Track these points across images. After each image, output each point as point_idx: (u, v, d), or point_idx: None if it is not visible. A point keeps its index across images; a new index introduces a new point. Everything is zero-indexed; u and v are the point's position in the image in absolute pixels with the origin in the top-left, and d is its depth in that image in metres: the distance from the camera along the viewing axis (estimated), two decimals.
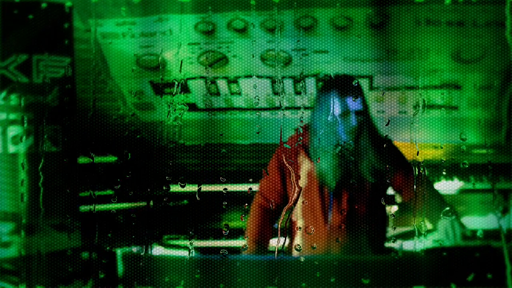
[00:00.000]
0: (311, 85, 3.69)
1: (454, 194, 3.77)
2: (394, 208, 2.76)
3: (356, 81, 2.67)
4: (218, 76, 3.76)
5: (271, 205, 2.68)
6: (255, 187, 2.86)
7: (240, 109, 3.92)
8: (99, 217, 2.40)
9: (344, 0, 3.29)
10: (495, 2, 3.24)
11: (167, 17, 3.47)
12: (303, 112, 3.20)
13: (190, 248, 2.45)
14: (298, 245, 2.55)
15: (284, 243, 2.60)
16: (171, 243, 3.31)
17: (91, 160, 2.65)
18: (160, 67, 3.73)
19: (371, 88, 3.69)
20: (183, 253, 2.33)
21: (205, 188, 3.77)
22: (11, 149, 2.73)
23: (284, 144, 2.71)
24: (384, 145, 2.71)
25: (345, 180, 2.59)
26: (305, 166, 2.63)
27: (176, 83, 3.63)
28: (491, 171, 3.68)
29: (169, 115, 3.48)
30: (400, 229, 3.34)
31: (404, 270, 1.97)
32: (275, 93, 3.82)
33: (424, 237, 2.40)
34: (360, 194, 2.59)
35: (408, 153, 3.83)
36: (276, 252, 2.68)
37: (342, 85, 2.60)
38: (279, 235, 2.63)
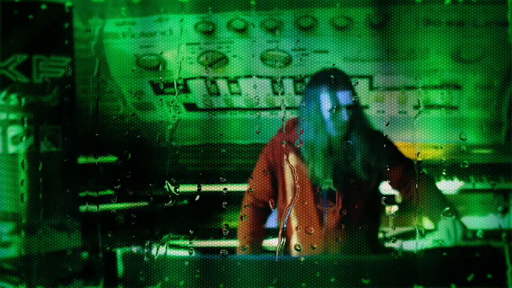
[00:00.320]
0: None
1: (454, 194, 3.77)
2: (394, 208, 2.75)
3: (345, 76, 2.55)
4: (218, 76, 3.76)
5: (261, 204, 2.63)
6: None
7: (240, 109, 3.92)
8: (99, 217, 2.40)
9: (344, 0, 3.29)
10: (495, 2, 3.24)
11: (167, 17, 3.47)
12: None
13: (190, 248, 2.45)
14: (298, 245, 2.53)
15: (282, 243, 2.59)
16: (171, 243, 3.31)
17: (91, 160, 2.65)
18: (160, 67, 3.73)
19: (371, 88, 3.69)
20: (183, 253, 2.33)
21: (205, 188, 3.77)
22: (11, 149, 2.73)
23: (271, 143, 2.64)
24: (380, 140, 2.62)
25: (339, 179, 2.52)
26: (294, 164, 2.57)
27: (176, 83, 3.63)
28: (491, 172, 3.69)
29: (170, 112, 3.48)
30: (400, 229, 3.34)
31: (404, 270, 1.97)
32: (275, 93, 3.82)
33: (424, 237, 2.39)
34: (355, 192, 2.52)
35: (408, 153, 3.83)
36: (277, 252, 2.68)
37: (331, 78, 2.51)
38: (280, 235, 2.63)
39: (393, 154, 2.59)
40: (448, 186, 3.69)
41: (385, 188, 2.69)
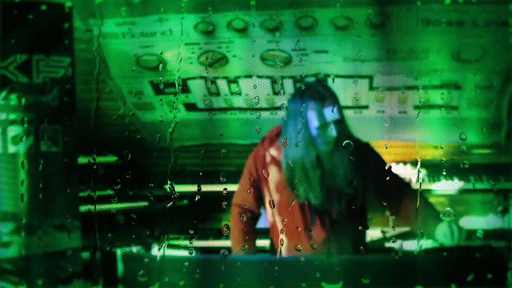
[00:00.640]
0: None
1: (454, 194, 3.77)
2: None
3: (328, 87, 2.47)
4: (218, 76, 3.77)
5: (249, 214, 2.61)
6: None
7: (240, 109, 3.92)
8: (99, 217, 2.40)
9: (344, 0, 3.29)
10: (495, 2, 3.24)
11: (167, 17, 3.47)
12: None
13: (190, 248, 2.45)
14: (299, 245, 2.52)
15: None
16: (171, 243, 3.32)
17: (91, 160, 2.65)
18: (160, 67, 3.73)
19: (371, 88, 3.69)
20: (183, 253, 2.33)
21: (205, 188, 3.77)
22: (11, 149, 2.73)
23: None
24: (366, 153, 2.55)
25: (327, 196, 2.48)
26: (277, 177, 2.52)
27: (176, 83, 3.63)
28: (491, 172, 3.69)
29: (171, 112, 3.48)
30: (400, 229, 3.34)
31: (404, 270, 1.98)
32: (275, 93, 3.82)
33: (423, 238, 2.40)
34: (342, 207, 2.48)
35: (408, 153, 3.84)
36: (278, 252, 2.68)
37: (316, 95, 2.43)
38: (280, 234, 2.63)
39: (377, 165, 2.51)
40: (448, 186, 3.69)
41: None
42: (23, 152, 2.73)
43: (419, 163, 3.80)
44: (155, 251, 2.31)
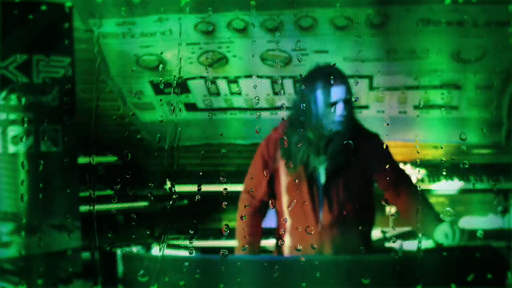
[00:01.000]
0: None
1: (454, 194, 3.77)
2: (394, 208, 2.75)
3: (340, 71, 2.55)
4: (218, 76, 3.76)
5: (257, 203, 2.61)
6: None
7: (240, 109, 3.92)
8: (99, 217, 2.40)
9: (344, 0, 3.29)
10: (495, 2, 3.24)
11: (167, 17, 3.47)
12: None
13: (190, 248, 2.45)
14: (299, 245, 2.52)
15: (282, 243, 2.58)
16: (171, 243, 3.31)
17: (91, 160, 2.65)
18: (160, 67, 3.73)
19: (371, 88, 3.69)
20: (183, 253, 2.33)
21: (205, 188, 3.77)
22: (11, 149, 2.73)
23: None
24: (375, 143, 2.61)
25: (334, 175, 2.51)
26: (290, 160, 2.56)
27: (176, 83, 3.63)
28: (491, 172, 3.68)
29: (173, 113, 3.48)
30: (400, 229, 3.34)
31: (404, 270, 1.97)
32: (275, 93, 3.82)
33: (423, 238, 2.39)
34: (349, 188, 2.52)
35: (408, 153, 3.83)
36: (278, 252, 2.68)
37: (329, 74, 2.51)
38: (280, 234, 2.63)
39: (385, 155, 2.58)
40: (448, 186, 3.69)
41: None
42: (23, 152, 2.73)
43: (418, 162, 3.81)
44: (155, 251, 2.31)
